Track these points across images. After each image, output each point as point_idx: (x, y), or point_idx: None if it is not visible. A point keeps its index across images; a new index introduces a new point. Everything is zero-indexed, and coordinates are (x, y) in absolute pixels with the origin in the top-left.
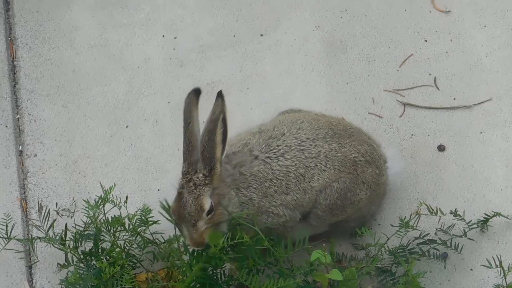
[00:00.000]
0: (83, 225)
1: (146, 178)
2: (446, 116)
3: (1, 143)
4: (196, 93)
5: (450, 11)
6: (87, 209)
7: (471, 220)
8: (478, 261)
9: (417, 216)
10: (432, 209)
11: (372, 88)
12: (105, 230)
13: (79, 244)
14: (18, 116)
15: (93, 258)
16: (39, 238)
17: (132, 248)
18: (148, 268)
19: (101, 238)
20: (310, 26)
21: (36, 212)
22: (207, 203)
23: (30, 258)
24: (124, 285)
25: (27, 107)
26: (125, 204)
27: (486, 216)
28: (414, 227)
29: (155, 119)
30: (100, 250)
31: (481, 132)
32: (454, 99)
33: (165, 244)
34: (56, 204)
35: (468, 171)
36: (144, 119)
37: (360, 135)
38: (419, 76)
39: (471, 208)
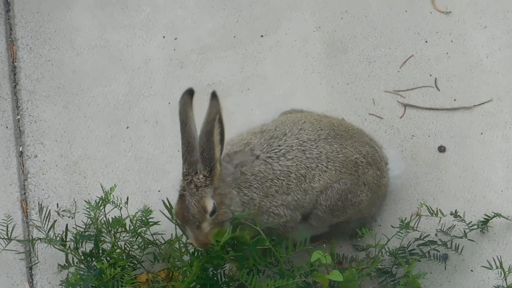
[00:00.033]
0: (84, 226)
1: (146, 179)
2: (446, 117)
3: (1, 144)
4: (190, 93)
5: (450, 12)
6: (87, 210)
7: (471, 221)
8: (478, 262)
9: (418, 217)
10: (433, 210)
11: (372, 89)
12: (105, 231)
13: (80, 245)
14: (19, 117)
15: (93, 259)
16: (40, 239)
17: (133, 249)
18: (149, 269)
19: (102, 239)
20: (311, 27)
21: (36, 213)
22: (209, 205)
23: (30, 259)
24: (125, 286)
25: (27, 108)
26: (126, 205)
27: (487, 217)
28: (415, 228)
29: (156, 120)
30: (100, 251)
31: (481, 133)
32: (455, 100)
33: (166, 245)
34: (57, 205)
35: (469, 172)
36: (144, 120)
37: (361, 136)
38: (420, 77)
39: (472, 209)
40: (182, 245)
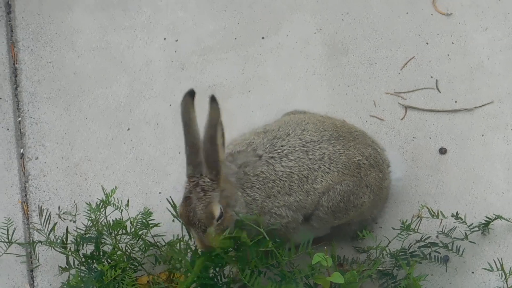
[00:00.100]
0: (85, 228)
1: (147, 181)
2: (447, 118)
3: (2, 146)
4: (191, 94)
5: (451, 13)
6: (88, 212)
7: (472, 223)
8: (479, 264)
9: (419, 219)
10: (434, 212)
11: (373, 90)
12: (106, 233)
13: (81, 247)
14: (20, 118)
15: (94, 261)
16: (40, 241)
17: (134, 251)
18: (150, 271)
19: (103, 241)
20: (312, 28)
21: (37, 215)
22: (217, 210)
23: (31, 262)
24: None
25: (28, 110)
26: (127, 207)
27: (488, 219)
28: (416, 230)
29: (157, 122)
30: (101, 253)
31: (482, 135)
32: (456, 101)
33: (167, 247)
34: (59, 207)
35: (470, 174)
36: (145, 121)
37: (364, 138)
38: (421, 78)
39: (473, 211)
40: (183, 246)
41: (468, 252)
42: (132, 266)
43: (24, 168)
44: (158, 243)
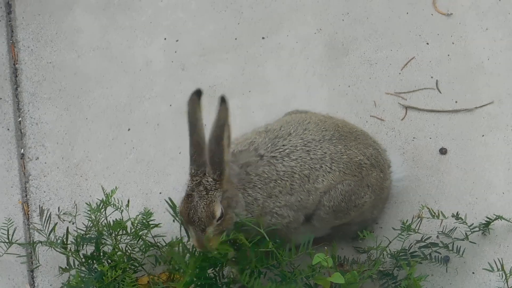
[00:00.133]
0: (85, 229)
1: (147, 181)
2: (448, 119)
3: (3, 146)
4: (198, 94)
5: (451, 14)
6: (88, 212)
7: (473, 224)
8: (480, 265)
9: (419, 219)
10: (434, 212)
11: (373, 91)
12: (106, 234)
13: (81, 248)
14: (20, 119)
15: (94, 261)
16: (41, 242)
17: (134, 252)
18: (150, 271)
19: (103, 242)
20: (312, 29)
21: (38, 215)
22: (218, 210)
23: (32, 262)
24: None
25: (28, 110)
26: (127, 208)
27: (488, 219)
28: (416, 230)
29: (157, 122)
30: (101, 254)
31: (483, 135)
32: (456, 102)
33: (167, 247)
34: (58, 208)
35: (470, 174)
36: (145, 122)
37: (365, 138)
38: (421, 79)
39: (473, 212)
40: (183, 247)
41: (468, 252)
42: (132, 267)
43: (24, 168)
44: (158, 243)
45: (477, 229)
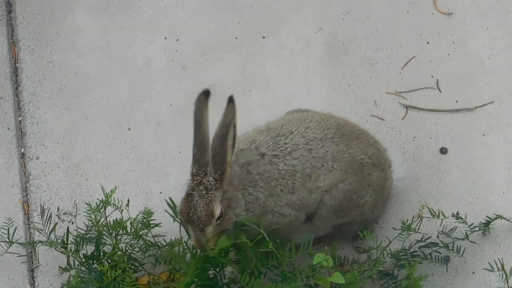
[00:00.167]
0: (85, 228)
1: (148, 180)
2: (448, 118)
3: (3, 146)
4: (206, 95)
5: (452, 13)
6: (88, 212)
7: (473, 223)
8: (480, 264)
9: (419, 219)
10: (434, 212)
11: (374, 90)
12: (106, 233)
13: (81, 248)
14: (20, 118)
15: (94, 261)
16: (41, 242)
17: (134, 251)
18: (150, 271)
19: (103, 241)
20: (312, 28)
21: (38, 215)
22: (217, 210)
23: (32, 262)
24: None
25: (29, 110)
26: (127, 207)
27: (488, 219)
28: (416, 230)
29: (157, 122)
30: (101, 254)
31: (483, 135)
32: (457, 101)
33: (167, 247)
34: (58, 208)
35: (470, 174)
36: (146, 121)
37: (367, 137)
38: (421, 78)
39: (473, 211)
40: (184, 247)
41: (468, 252)
42: (133, 267)
43: (25, 168)
44: (158, 243)
45: (477, 228)
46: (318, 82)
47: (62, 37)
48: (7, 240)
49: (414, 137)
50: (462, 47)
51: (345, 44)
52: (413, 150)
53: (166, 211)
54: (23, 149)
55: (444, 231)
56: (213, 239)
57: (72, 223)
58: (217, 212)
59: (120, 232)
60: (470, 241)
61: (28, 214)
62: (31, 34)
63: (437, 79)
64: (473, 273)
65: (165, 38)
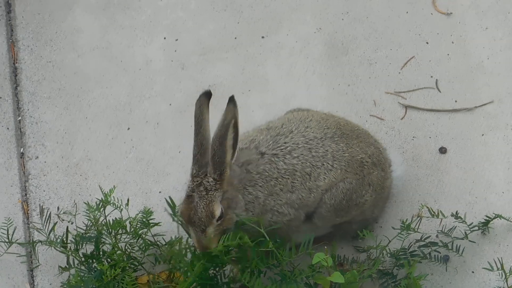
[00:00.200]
0: (84, 228)
1: (147, 180)
2: (447, 118)
3: (2, 145)
4: (207, 96)
5: (451, 13)
6: (88, 211)
7: (472, 223)
8: (479, 264)
9: (419, 218)
10: (434, 212)
11: (373, 90)
12: (106, 233)
13: (80, 247)
14: (20, 118)
15: (94, 260)
16: (40, 241)
17: (134, 251)
18: (150, 270)
19: (102, 241)
20: (312, 28)
21: (37, 215)
22: (218, 210)
23: (31, 261)
24: None
25: (28, 109)
26: (126, 207)
27: (488, 219)
28: (416, 230)
29: (157, 122)
30: (101, 253)
31: (482, 135)
32: (456, 101)
33: (167, 246)
34: (58, 208)
35: (470, 174)
36: (145, 121)
37: (367, 137)
38: (421, 78)
39: (473, 211)
40: (183, 246)
41: (468, 251)
42: (132, 266)
43: (24, 167)
44: (158, 242)
45: (476, 228)
46: (317, 82)
47: (62, 37)
48: (7, 240)
49: (414, 137)
50: (461, 47)
51: (344, 44)
52: (412, 150)
53: (165, 210)
54: (22, 149)
55: (443, 230)
56: (214, 240)
57: (72, 223)
58: (218, 213)
59: (120, 231)
60: (470, 241)
61: (28, 213)
62: (30, 34)
63: (437, 79)
64: (473, 272)
65: (165, 38)
